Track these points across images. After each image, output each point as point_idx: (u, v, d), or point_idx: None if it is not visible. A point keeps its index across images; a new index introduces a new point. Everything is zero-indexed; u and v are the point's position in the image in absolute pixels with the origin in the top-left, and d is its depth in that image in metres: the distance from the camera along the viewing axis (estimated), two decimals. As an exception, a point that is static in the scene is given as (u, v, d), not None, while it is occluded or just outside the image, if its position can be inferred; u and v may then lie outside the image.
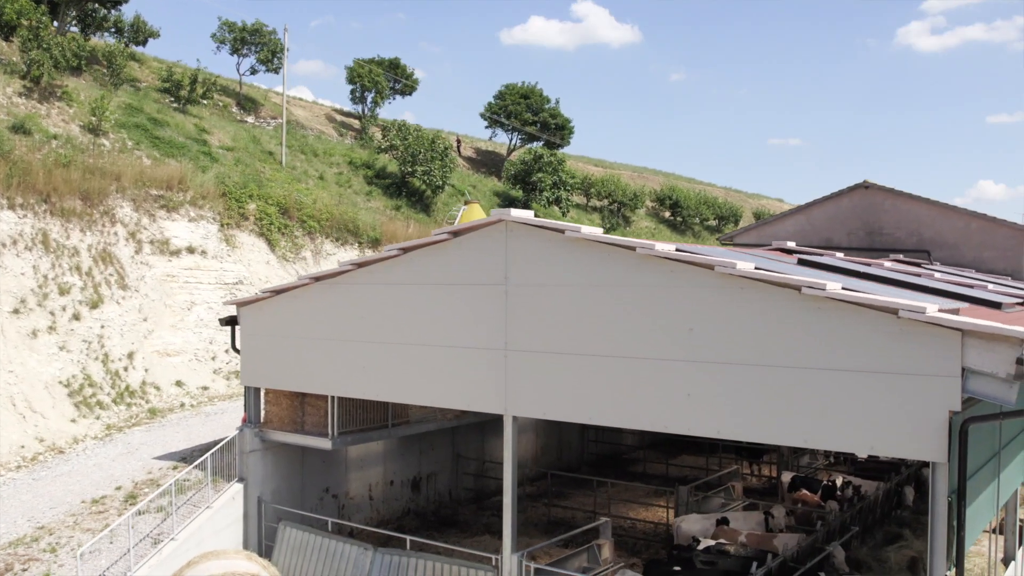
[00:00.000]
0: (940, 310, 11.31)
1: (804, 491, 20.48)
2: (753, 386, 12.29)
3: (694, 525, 17.64)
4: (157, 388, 26.32)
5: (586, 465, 27.23)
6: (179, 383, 26.98)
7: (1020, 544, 16.54)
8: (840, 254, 23.96)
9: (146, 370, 26.48)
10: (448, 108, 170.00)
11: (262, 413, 18.88)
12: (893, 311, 11.16)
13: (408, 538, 16.31)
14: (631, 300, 13.36)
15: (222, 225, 33.13)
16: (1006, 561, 16.20)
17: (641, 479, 25.39)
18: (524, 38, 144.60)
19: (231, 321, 19.08)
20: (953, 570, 11.05)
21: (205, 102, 42.90)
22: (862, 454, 10.42)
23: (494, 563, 14.86)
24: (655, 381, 13.14)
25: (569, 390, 14.02)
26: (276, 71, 48.92)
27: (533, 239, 14.41)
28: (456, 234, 15.32)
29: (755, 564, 13.93)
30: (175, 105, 40.11)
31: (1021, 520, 19.19)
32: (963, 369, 10.84)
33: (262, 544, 18.28)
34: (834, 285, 11.70)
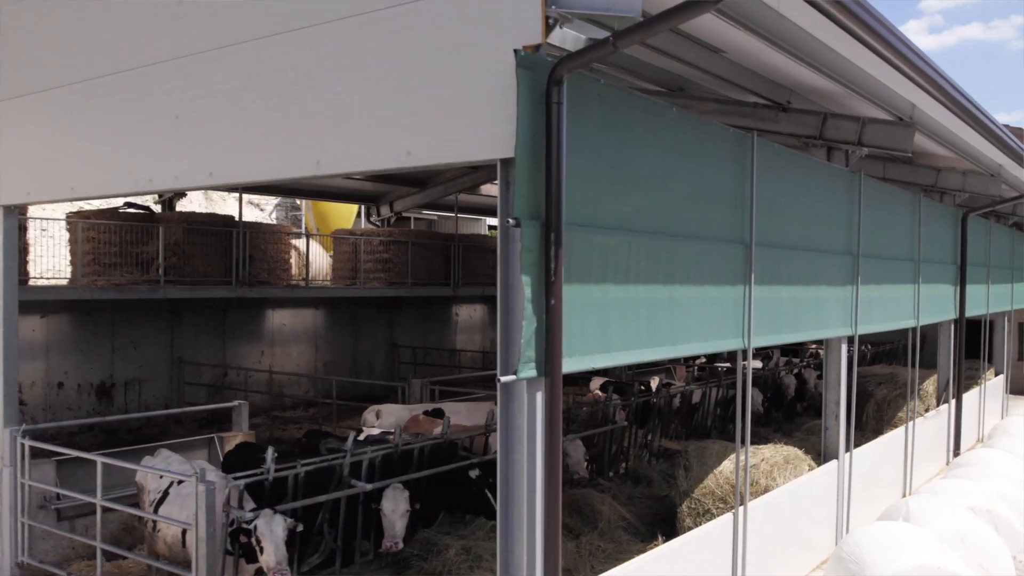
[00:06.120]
0: None
1: (598, 391, 15.05)
2: (252, 85, 6.89)
3: (388, 418, 12.30)
4: None
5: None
6: None
7: (849, 445, 10.94)
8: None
9: None
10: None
11: None
12: None
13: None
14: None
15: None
16: (825, 457, 10.65)
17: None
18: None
19: None
20: (527, 371, 5.53)
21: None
22: (396, 165, 4.53)
23: (-14, 442, 9.55)
24: (135, 104, 7.74)
25: (70, 149, 8.66)
26: None
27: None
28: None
29: (369, 448, 8.56)
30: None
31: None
32: (541, -38, 5.37)
33: None
34: None
